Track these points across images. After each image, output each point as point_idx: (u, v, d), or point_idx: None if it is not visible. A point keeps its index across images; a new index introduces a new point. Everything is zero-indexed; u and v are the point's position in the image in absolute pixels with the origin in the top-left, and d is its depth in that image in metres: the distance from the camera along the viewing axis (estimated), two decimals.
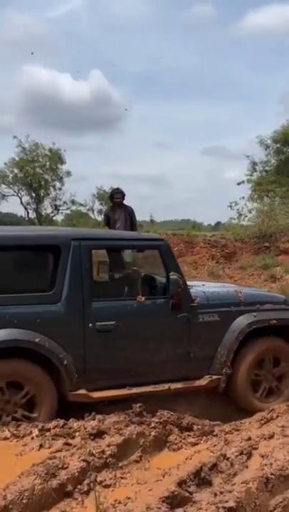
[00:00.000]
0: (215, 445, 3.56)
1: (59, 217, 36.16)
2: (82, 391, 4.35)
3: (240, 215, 12.74)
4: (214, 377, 4.85)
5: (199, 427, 3.96)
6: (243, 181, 12.03)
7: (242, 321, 4.96)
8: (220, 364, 4.86)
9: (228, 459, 3.27)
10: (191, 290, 4.94)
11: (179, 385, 4.72)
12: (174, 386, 4.68)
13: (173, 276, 4.66)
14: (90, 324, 4.41)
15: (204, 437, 3.84)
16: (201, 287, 5.25)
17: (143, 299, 4.70)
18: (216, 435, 3.91)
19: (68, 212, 36.49)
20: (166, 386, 4.65)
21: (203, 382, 4.82)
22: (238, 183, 12.20)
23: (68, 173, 34.47)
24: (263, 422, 4.15)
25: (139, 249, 5.58)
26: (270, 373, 5.13)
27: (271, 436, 3.64)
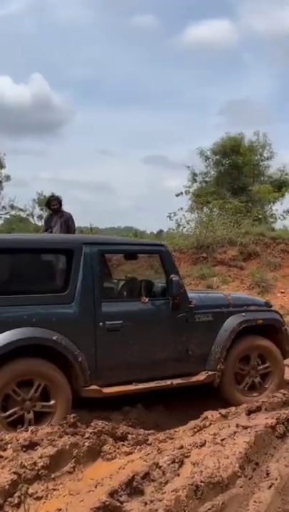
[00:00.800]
0: (148, 454, 3.59)
1: None
2: (94, 387, 4.54)
3: (179, 225, 13.02)
4: (210, 372, 5.07)
5: (133, 436, 3.99)
6: (182, 193, 12.27)
7: (233, 321, 5.23)
8: (214, 360, 5.09)
9: (160, 467, 3.32)
10: None
11: (180, 381, 4.93)
12: (176, 381, 4.90)
13: (174, 278, 4.90)
14: (101, 323, 4.61)
15: (138, 446, 3.88)
16: (193, 292, 5.52)
17: (147, 299, 4.92)
18: (150, 444, 3.95)
19: (8, 217, 35.68)
20: (168, 382, 4.87)
21: (201, 377, 5.04)
22: (177, 195, 12.45)
23: (8, 178, 33.51)
24: (196, 430, 4.23)
25: (143, 253, 5.96)
26: (255, 369, 5.38)
27: (203, 444, 3.72)
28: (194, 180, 22.19)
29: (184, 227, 12.88)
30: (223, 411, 4.42)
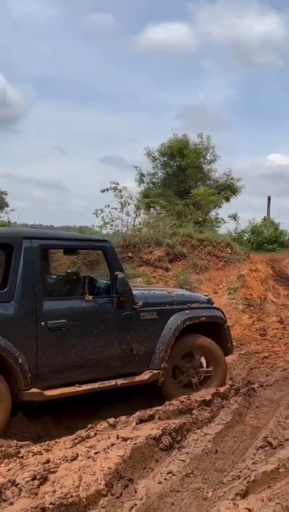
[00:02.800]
0: (9, 469, 3.28)
1: None
2: (35, 390, 4.32)
3: (105, 223, 12.73)
4: (154, 371, 4.99)
5: (2, 448, 3.66)
6: (107, 189, 11.97)
7: (177, 319, 5.19)
8: (159, 359, 5.02)
9: (17, 485, 3.01)
10: None
11: (124, 381, 4.82)
12: (120, 382, 4.78)
13: (120, 275, 4.75)
14: (42, 323, 4.39)
15: (6, 460, 3.54)
16: (137, 289, 5.36)
17: (90, 297, 4.73)
18: (22, 457, 3.63)
19: None
20: (112, 382, 4.74)
21: (145, 376, 4.95)
22: (102, 191, 12.10)
23: None
24: (76, 441, 3.95)
25: (87, 249, 5.81)
26: (194, 369, 5.36)
27: (74, 458, 3.45)
28: (142, 181, 22.01)
29: (111, 224, 12.57)
30: (112, 420, 4.16)
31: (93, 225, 12.36)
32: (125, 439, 3.56)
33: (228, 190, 21.57)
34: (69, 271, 6.21)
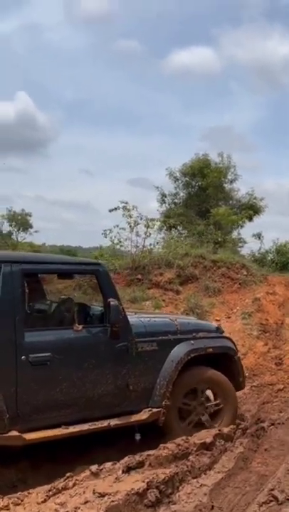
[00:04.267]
0: None
1: None
2: (14, 433, 3.85)
3: (113, 243, 12.34)
4: (154, 410, 4.50)
5: None
6: (115, 208, 11.62)
7: (180, 350, 4.70)
8: (159, 396, 4.53)
9: None
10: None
11: (118, 421, 4.32)
12: (113, 422, 4.29)
13: (113, 302, 4.29)
14: (23, 357, 3.94)
15: None
16: (135, 315, 4.90)
17: (80, 327, 4.29)
18: None
19: None
20: (104, 423, 4.24)
21: (143, 415, 4.46)
22: (110, 210, 11.73)
23: None
24: (51, 493, 3.49)
25: (76, 273, 5.34)
26: (202, 406, 4.85)
27: None
28: (163, 201, 21.71)
29: (121, 245, 12.18)
30: (94, 468, 3.69)
31: (100, 245, 11.92)
32: (102, 495, 3.09)
33: (249, 209, 21.07)
34: (62, 297, 5.80)
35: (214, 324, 5.73)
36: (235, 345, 5.32)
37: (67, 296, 5.85)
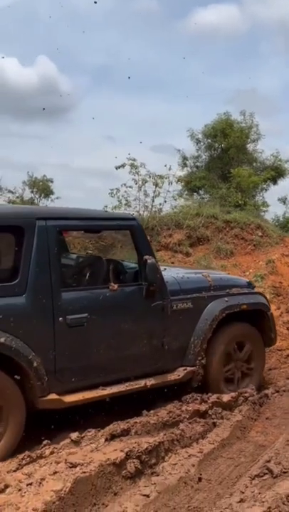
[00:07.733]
0: None
1: None
2: (54, 396, 3.84)
3: (120, 203, 11.95)
4: (189, 368, 4.52)
5: None
6: (122, 165, 11.17)
7: (215, 307, 4.68)
8: (194, 354, 4.55)
9: None
10: None
11: (154, 381, 4.34)
12: (150, 382, 4.31)
13: (150, 260, 4.21)
14: (61, 318, 3.89)
15: None
16: (167, 271, 4.75)
17: (116, 286, 4.20)
18: None
19: None
20: (141, 383, 4.26)
21: (178, 375, 4.48)
22: (117, 168, 11.25)
23: None
24: (24, 462, 3.30)
25: (111, 229, 5.29)
26: (240, 360, 4.91)
27: (2, 490, 2.80)
28: (184, 165, 21.10)
29: (128, 205, 11.82)
30: (75, 435, 3.48)
31: (106, 206, 11.54)
32: (74, 466, 2.88)
33: (272, 171, 20.38)
34: (89, 252, 5.59)
35: (245, 279, 5.65)
36: (268, 301, 5.29)
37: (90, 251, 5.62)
